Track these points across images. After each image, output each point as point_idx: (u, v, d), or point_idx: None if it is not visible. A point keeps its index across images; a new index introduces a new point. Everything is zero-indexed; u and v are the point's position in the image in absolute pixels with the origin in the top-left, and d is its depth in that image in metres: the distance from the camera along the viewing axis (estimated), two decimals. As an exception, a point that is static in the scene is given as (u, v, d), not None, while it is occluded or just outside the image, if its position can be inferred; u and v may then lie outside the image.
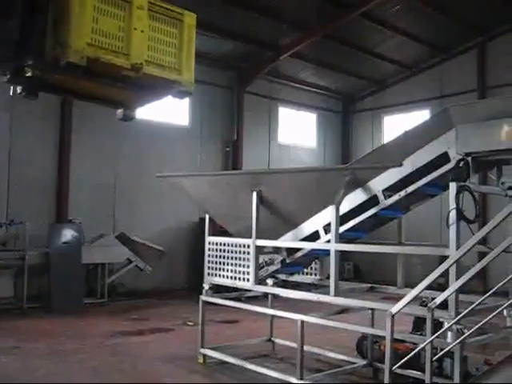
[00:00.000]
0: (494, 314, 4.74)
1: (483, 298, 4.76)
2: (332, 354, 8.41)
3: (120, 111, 5.72)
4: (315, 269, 8.44)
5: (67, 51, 4.46)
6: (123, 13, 4.78)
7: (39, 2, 4.62)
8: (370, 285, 8.36)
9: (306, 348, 7.16)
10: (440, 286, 5.49)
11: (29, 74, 4.86)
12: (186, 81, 5.25)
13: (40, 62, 4.69)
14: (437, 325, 5.30)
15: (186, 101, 17.07)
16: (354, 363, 7.97)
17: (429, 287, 5.48)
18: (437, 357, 5.34)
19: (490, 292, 4.70)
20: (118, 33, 4.74)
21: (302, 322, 6.76)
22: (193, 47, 5.27)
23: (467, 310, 4.88)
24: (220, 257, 8.01)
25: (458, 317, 4.98)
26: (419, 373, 6.48)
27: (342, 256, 17.99)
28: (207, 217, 8.48)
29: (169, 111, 16.49)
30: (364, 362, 7.91)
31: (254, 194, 7.32)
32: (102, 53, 4.63)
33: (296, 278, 8.64)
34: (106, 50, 4.67)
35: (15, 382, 7.22)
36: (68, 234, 13.08)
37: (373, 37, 17.67)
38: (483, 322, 4.82)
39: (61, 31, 4.54)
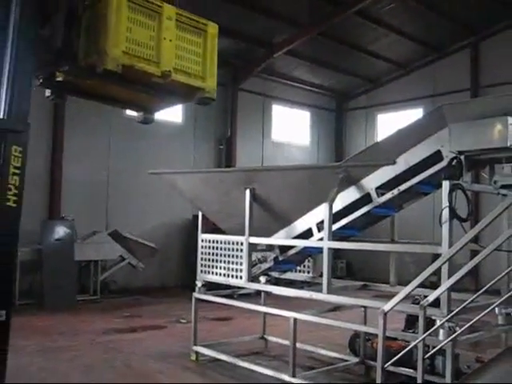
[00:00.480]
0: (486, 312, 4.76)
1: (475, 296, 4.78)
2: (324, 352, 8.42)
3: (140, 114, 6.03)
4: (308, 266, 8.44)
5: (105, 59, 4.75)
6: (153, 23, 5.09)
7: (76, 11, 4.96)
8: (362, 283, 8.39)
9: (298, 345, 7.17)
10: (432, 284, 5.51)
11: (60, 79, 5.21)
12: (210, 87, 5.58)
13: (76, 68, 5.01)
14: (429, 323, 5.32)
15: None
16: (346, 361, 7.99)
17: (421, 285, 5.49)
18: (429, 354, 5.37)
19: (481, 290, 4.71)
20: (149, 42, 5.05)
21: (295, 319, 6.76)
22: (215, 56, 5.63)
23: (459, 308, 4.90)
24: (213, 254, 8.00)
25: (450, 315, 5.00)
26: (411, 370, 6.51)
27: (335, 254, 18.04)
28: (200, 214, 8.48)
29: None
30: (356, 360, 7.92)
31: (247, 191, 7.32)
32: (135, 61, 4.95)
33: (289, 275, 8.64)
34: (138, 58, 4.98)
35: (6, 380, 7.18)
36: (60, 231, 13.04)
37: (367, 35, 17.68)
38: (475, 319, 4.85)
39: (98, 40, 4.83)
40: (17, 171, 4.72)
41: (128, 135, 15.50)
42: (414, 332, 6.30)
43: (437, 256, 5.47)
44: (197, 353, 8.21)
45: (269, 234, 7.55)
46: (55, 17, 4.86)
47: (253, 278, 7.72)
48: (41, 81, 5.22)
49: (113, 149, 15.46)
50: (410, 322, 7.28)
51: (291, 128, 20.54)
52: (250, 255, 7.45)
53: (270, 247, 7.76)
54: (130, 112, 15.81)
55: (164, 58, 5.13)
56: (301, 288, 7.82)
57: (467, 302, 4.83)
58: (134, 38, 4.96)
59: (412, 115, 17.94)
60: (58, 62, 5.01)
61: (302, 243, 7.32)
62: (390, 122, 20.10)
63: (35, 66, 4.93)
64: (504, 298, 4.99)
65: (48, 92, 5.48)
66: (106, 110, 15.36)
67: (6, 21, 4.79)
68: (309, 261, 8.38)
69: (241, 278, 7.50)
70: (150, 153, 15.79)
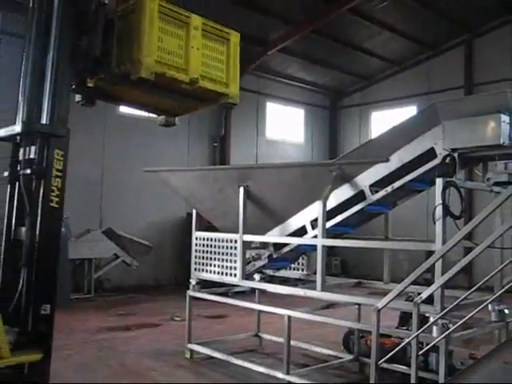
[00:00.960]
0: (479, 308, 4.78)
1: (468, 293, 4.80)
2: (319, 349, 8.44)
3: (162, 117, 6.26)
4: (302, 264, 8.45)
5: (139, 67, 5.01)
6: (182, 32, 5.35)
7: (113, 22, 5.25)
8: (356, 280, 8.40)
9: (292, 343, 7.17)
10: (426, 281, 5.53)
11: (91, 85, 5.47)
12: (233, 93, 5.83)
13: (111, 75, 5.30)
14: (423, 320, 5.34)
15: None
16: (340, 358, 8.00)
17: (415, 282, 5.51)
18: (422, 351, 5.38)
19: (474, 287, 4.73)
20: (178, 50, 5.30)
21: (289, 317, 6.77)
22: (237, 63, 5.85)
23: (452, 305, 4.91)
24: (207, 252, 8.00)
25: (444, 311, 5.01)
26: (405, 367, 6.53)
27: (330, 251, 18.08)
28: (194, 212, 8.47)
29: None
30: (350, 357, 7.94)
31: (241, 189, 7.32)
32: (166, 68, 5.19)
33: (283, 273, 8.65)
34: (169, 66, 5.22)
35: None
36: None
37: (361, 32, 17.70)
38: (468, 316, 4.86)
39: (131, 49, 5.10)
40: (59, 174, 5.03)
41: (122, 133, 15.47)
42: (407, 329, 6.32)
43: (430, 253, 5.48)
44: (191, 351, 8.21)
45: (263, 232, 7.55)
46: (93, 28, 5.10)
47: (247, 276, 7.72)
48: (73, 86, 5.42)
49: (107, 147, 15.42)
50: (404, 319, 7.30)
51: (285, 126, 20.55)
52: (244, 253, 7.45)
53: (264, 245, 7.75)
54: (124, 110, 15.93)
55: (192, 66, 5.39)
56: (295, 285, 7.82)
57: (460, 299, 4.84)
58: (164, 47, 5.21)
59: (406, 113, 17.99)
60: (95, 70, 5.28)
61: (295, 241, 7.33)
62: (384, 120, 20.13)
63: (73, 74, 5.19)
64: (497, 295, 5.02)
65: (78, 97, 5.69)
66: (101, 108, 15.39)
67: (47, 35, 5.08)
68: (303, 258, 8.38)
69: (235, 275, 7.50)
70: (144, 151, 15.76)
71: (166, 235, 16.59)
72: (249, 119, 19.03)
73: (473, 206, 16.03)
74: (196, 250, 8.19)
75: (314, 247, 6.79)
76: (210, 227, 8.69)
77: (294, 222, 7.33)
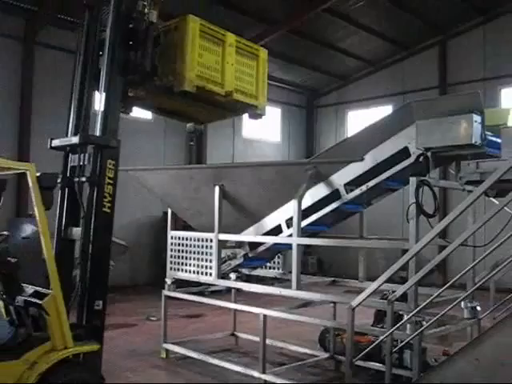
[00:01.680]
0: (451, 306, 4.84)
1: (440, 290, 4.86)
2: (295, 348, 8.46)
3: (191, 125, 6.96)
4: (278, 263, 8.46)
5: (182, 81, 5.54)
6: (218, 49, 5.89)
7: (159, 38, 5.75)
8: (332, 278, 8.45)
9: (269, 342, 7.19)
10: (402, 279, 5.58)
11: (131, 94, 5.90)
12: (261, 105, 6.44)
13: (156, 87, 5.81)
14: (398, 317, 5.39)
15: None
16: (316, 356, 8.04)
17: (391, 281, 5.56)
18: (396, 349, 5.44)
19: (446, 285, 4.79)
20: (215, 66, 5.84)
21: (265, 315, 6.77)
22: (266, 77, 6.43)
23: (425, 303, 4.97)
24: (183, 251, 7.96)
25: (417, 309, 5.06)
26: (381, 364, 6.58)
27: (306, 250, 18.22)
28: (170, 211, 8.43)
29: (132, 104, 16.36)
30: (326, 355, 7.98)
31: (217, 188, 7.30)
32: (205, 82, 5.72)
33: (259, 272, 8.66)
34: (208, 79, 5.75)
35: None
36: (28, 229, 12.75)
37: (337, 32, 17.78)
38: (440, 314, 4.93)
39: (174, 64, 5.63)
40: (111, 181, 5.43)
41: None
42: (382, 327, 6.36)
43: (406, 252, 5.53)
44: (167, 350, 8.17)
45: (238, 231, 7.54)
46: (144, 44, 5.52)
47: (223, 275, 7.71)
48: None
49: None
50: (379, 317, 7.37)
51: (262, 125, 20.53)
52: (219, 252, 7.43)
53: (240, 244, 7.75)
54: (98, 108, 15.76)
55: (227, 80, 5.93)
56: (271, 284, 7.83)
57: (433, 297, 4.90)
58: (204, 63, 5.73)
59: (382, 112, 18.11)
60: (142, 82, 5.73)
61: (271, 240, 7.33)
62: (360, 119, 20.25)
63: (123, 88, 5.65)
64: (469, 292, 5.08)
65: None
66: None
67: (100, 51, 5.66)
68: (279, 257, 8.40)
69: (210, 275, 7.48)
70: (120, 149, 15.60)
71: (142, 235, 16.48)
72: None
73: (448, 204, 16.22)
74: (171, 250, 8.15)
75: (289, 246, 6.80)
76: (186, 226, 8.65)
77: (270, 221, 7.34)
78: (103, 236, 5.43)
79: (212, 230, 7.40)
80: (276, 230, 7.30)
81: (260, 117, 6.64)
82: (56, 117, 14.63)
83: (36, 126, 14.14)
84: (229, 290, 8.73)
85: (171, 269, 8.17)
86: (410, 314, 5.05)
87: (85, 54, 5.72)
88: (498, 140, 5.89)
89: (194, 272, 7.76)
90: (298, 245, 6.52)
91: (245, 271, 8.54)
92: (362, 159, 6.33)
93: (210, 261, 7.47)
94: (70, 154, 5.62)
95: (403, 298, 5.39)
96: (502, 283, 7.09)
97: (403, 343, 5.37)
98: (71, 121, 5.69)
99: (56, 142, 5.68)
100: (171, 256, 8.16)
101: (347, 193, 6.59)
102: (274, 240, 7.27)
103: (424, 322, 5.28)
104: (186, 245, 7.90)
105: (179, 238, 8.04)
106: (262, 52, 6.42)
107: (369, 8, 16.60)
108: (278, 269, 8.48)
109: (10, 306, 4.99)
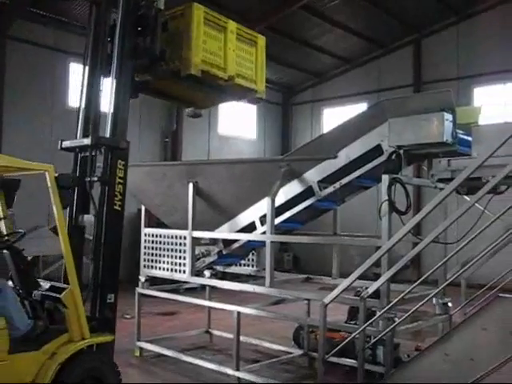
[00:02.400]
0: (422, 302, 4.88)
1: (411, 287, 4.90)
2: (269, 345, 8.48)
3: (190, 109, 7.15)
4: (253, 260, 8.46)
5: (188, 65, 5.84)
6: (221, 36, 6.19)
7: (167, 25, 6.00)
8: (305, 276, 8.47)
9: (243, 339, 7.18)
10: (377, 275, 5.63)
11: (137, 79, 6.14)
12: (260, 89, 6.74)
13: (163, 72, 6.08)
14: (371, 314, 5.42)
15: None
16: (290, 353, 8.07)
17: (366, 277, 5.59)
18: (369, 345, 5.48)
19: (417, 282, 4.83)
20: (218, 51, 6.15)
21: (238, 313, 6.76)
22: (264, 63, 6.76)
23: (396, 299, 5.00)
24: (156, 248, 7.91)
25: (388, 306, 5.10)
26: (354, 361, 6.62)
27: (282, 247, 18.28)
28: (143, 208, 8.38)
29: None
30: (300, 352, 8.01)
31: (191, 185, 7.27)
32: (210, 67, 6.03)
33: (234, 269, 8.63)
34: (212, 64, 6.07)
35: None
36: (-1, 226, 12.61)
37: (313, 30, 17.82)
38: (412, 310, 4.97)
39: (180, 49, 5.91)
40: (121, 181, 5.71)
41: (71, 127, 15.09)
42: (356, 323, 6.40)
43: (379, 249, 5.56)
44: (141, 348, 8.12)
45: (212, 228, 7.52)
46: (153, 30, 5.80)
47: (198, 272, 7.68)
48: None
49: (55, 141, 14.99)
50: (353, 313, 7.41)
51: (238, 122, 20.52)
52: (193, 249, 7.41)
53: (214, 241, 7.73)
54: (72, 104, 15.60)
55: (229, 65, 6.23)
56: (246, 282, 7.82)
57: (404, 294, 4.94)
58: (208, 49, 6.02)
59: (357, 110, 18.18)
60: (152, 67, 6.00)
61: (244, 237, 7.31)
62: (335, 117, 20.34)
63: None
64: (439, 288, 5.14)
65: None
66: (47, 99, 15.06)
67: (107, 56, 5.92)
68: (253, 254, 8.39)
69: (184, 272, 7.45)
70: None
71: (116, 232, 16.32)
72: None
73: (422, 202, 16.37)
74: (145, 247, 8.10)
75: (263, 243, 6.80)
76: (160, 223, 8.60)
77: (244, 218, 7.32)
78: (114, 233, 5.71)
79: (186, 228, 7.37)
80: (250, 227, 7.28)
81: (259, 101, 7.03)
82: (29, 112, 14.56)
83: (7, 121, 13.93)
84: (203, 287, 8.70)
85: (145, 266, 8.12)
86: (382, 311, 5.08)
87: (94, 42, 5.95)
88: (469, 138, 5.95)
89: (167, 269, 7.72)
90: (272, 242, 6.52)
91: (219, 268, 8.51)
92: (336, 157, 6.35)
93: (184, 258, 7.44)
94: (80, 155, 5.87)
95: (376, 294, 5.43)
96: (473, 279, 7.20)
97: (375, 339, 5.41)
98: (80, 121, 6.04)
99: (66, 144, 5.95)
100: (145, 253, 8.11)
101: (321, 190, 6.59)
102: (248, 237, 7.25)
103: (396, 319, 5.33)
104: (160, 242, 7.85)
105: (153, 235, 7.98)
106: (260, 39, 6.75)
107: (344, 6, 16.68)
108: (253, 266, 8.47)
109: (26, 300, 5.23)
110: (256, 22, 16.17)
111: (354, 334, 5.20)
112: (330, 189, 6.53)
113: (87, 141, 5.66)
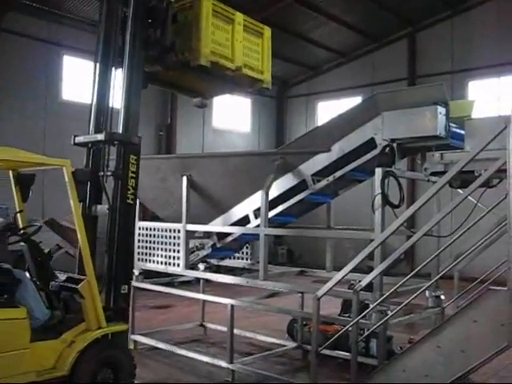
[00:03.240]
0: (415, 295, 4.90)
1: (404, 280, 4.91)
2: (263, 338, 8.50)
3: (198, 99, 7.21)
4: (247, 253, 8.47)
5: (198, 56, 5.96)
6: (228, 27, 6.33)
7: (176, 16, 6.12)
8: (299, 269, 8.49)
9: (237, 332, 7.19)
10: (371, 269, 5.65)
11: (146, 70, 6.19)
12: (266, 80, 6.89)
13: (173, 62, 6.16)
14: (364, 307, 5.44)
15: (118, 82, 16.73)
16: (284, 346, 8.09)
17: (360, 270, 5.60)
18: (362, 337, 5.50)
19: (410, 274, 4.85)
20: (226, 42, 6.29)
21: (232, 306, 6.77)
22: (270, 53, 6.95)
23: (389, 292, 5.03)
24: (151, 242, 7.90)
25: (381, 298, 5.12)
26: (347, 353, 6.65)
27: (276, 240, 18.29)
28: (137, 202, 8.35)
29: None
30: (294, 345, 8.04)
31: (184, 178, 7.27)
32: (218, 58, 6.16)
33: (228, 262, 8.63)
34: (220, 55, 6.19)
35: None
36: (-7, 220, 12.59)
37: (308, 23, 17.80)
38: (405, 303, 5.00)
39: (190, 40, 6.02)
40: (133, 175, 5.83)
41: (64, 120, 15.08)
42: (349, 316, 6.43)
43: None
44: (135, 341, 8.12)
45: (206, 221, 7.52)
46: (164, 22, 5.96)
47: (192, 266, 7.69)
48: None
49: (48, 134, 14.99)
50: (346, 306, 7.45)
51: (232, 115, 20.49)
52: (187, 243, 7.40)
53: (208, 234, 7.73)
54: (65, 97, 15.57)
55: (236, 56, 6.37)
56: (240, 275, 7.83)
57: (397, 286, 4.95)
58: (216, 40, 6.15)
59: (352, 103, 18.18)
60: (162, 57, 6.12)
61: (238, 230, 7.31)
62: (330, 110, 20.34)
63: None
64: (432, 281, 5.17)
65: None
66: (42, 92, 15.00)
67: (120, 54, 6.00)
68: (247, 247, 8.40)
69: (178, 265, 7.45)
70: (87, 139, 15.39)
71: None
72: (195, 108, 18.79)
73: (416, 195, 16.40)
74: (139, 240, 8.08)
75: (257, 236, 6.81)
76: (154, 217, 8.59)
77: (238, 212, 7.33)
78: (127, 226, 5.91)
79: (180, 221, 7.37)
80: (244, 221, 7.29)
81: (266, 91, 7.23)
82: (22, 105, 14.49)
83: (0, 114, 13.89)
84: (198, 280, 8.71)
85: (139, 260, 8.10)
86: (375, 304, 5.10)
87: (105, 34, 6.00)
88: (462, 132, 5.96)
89: (162, 263, 7.71)
90: (266, 235, 6.53)
91: (213, 262, 8.52)
92: (329, 150, 6.36)
93: (178, 251, 7.44)
94: (92, 149, 5.96)
95: (370, 287, 5.45)
96: (466, 272, 7.23)
97: (368, 332, 5.44)
98: (92, 117, 6.03)
99: (80, 139, 6.01)
100: (139, 247, 8.09)
101: (314, 183, 6.60)
102: (242, 230, 7.26)
103: (389, 312, 5.35)
104: (154, 235, 7.84)
105: (147, 228, 7.97)
106: (266, 30, 6.93)
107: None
108: (247, 259, 8.49)
109: (43, 291, 5.41)
110: (250, 14, 16.11)
111: (346, 327, 5.22)
112: (324, 182, 6.53)
113: (100, 136, 5.75)
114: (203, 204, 7.46)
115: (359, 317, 4.99)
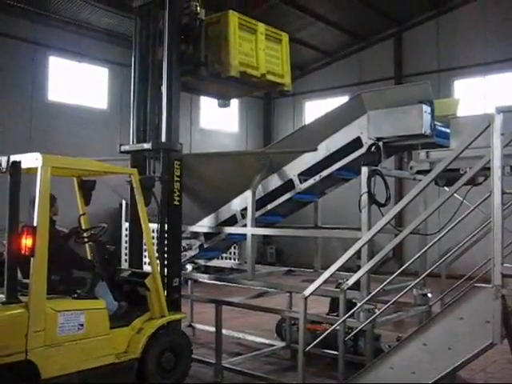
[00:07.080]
0: (401, 294, 4.90)
1: (390, 278, 4.91)
2: (252, 338, 8.48)
3: (222, 100, 7.69)
4: (235, 253, 8.46)
5: (229, 68, 6.42)
6: (252, 38, 6.76)
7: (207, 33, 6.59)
8: (287, 268, 8.49)
9: (226, 332, 7.17)
10: (359, 267, 5.65)
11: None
12: (287, 83, 7.25)
13: (206, 74, 6.61)
14: (352, 305, 5.45)
15: (104, 83, 16.64)
16: (273, 345, 8.08)
17: (349, 269, 5.60)
18: (349, 336, 5.50)
19: (396, 273, 4.85)
20: (251, 52, 6.71)
21: (219, 306, 6.76)
22: (289, 58, 7.28)
23: (376, 291, 5.04)
24: (138, 243, 7.85)
25: (368, 297, 5.13)
26: (336, 352, 6.65)
27: (265, 240, 18.28)
28: (124, 202, 8.33)
29: (86, 94, 16.10)
30: (283, 344, 8.03)
31: (171, 178, 7.24)
32: (246, 67, 6.59)
33: (216, 262, 8.61)
34: (247, 65, 6.62)
35: None
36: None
37: (294, 23, 17.75)
38: (391, 302, 5.01)
39: (219, 53, 6.48)
40: (178, 179, 6.36)
41: (50, 121, 15.00)
42: (337, 315, 6.43)
43: (361, 241, 5.57)
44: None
45: (193, 222, 7.50)
46: (197, 39, 6.47)
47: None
48: None
49: (34, 135, 14.87)
50: (335, 305, 7.45)
51: (220, 115, 20.42)
52: (174, 243, 7.37)
53: (195, 235, 7.72)
54: (52, 97, 15.46)
55: (260, 64, 6.77)
56: (229, 275, 7.82)
57: (383, 285, 4.97)
58: (243, 51, 6.59)
59: (339, 103, 18.21)
60: (195, 71, 6.59)
61: (225, 230, 7.30)
62: (317, 110, 20.36)
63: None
64: (418, 280, 5.16)
65: None
66: (27, 92, 14.89)
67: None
68: (235, 247, 8.39)
69: (166, 266, 7.41)
70: (74, 140, 15.25)
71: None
72: (182, 108, 18.49)
73: (403, 194, 16.44)
74: (126, 241, 8.04)
75: (244, 236, 6.81)
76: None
77: (225, 212, 7.33)
78: (176, 225, 6.41)
79: (167, 222, 7.33)
80: (231, 221, 7.29)
81: (287, 93, 7.54)
82: (8, 105, 14.37)
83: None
84: (186, 281, 8.67)
85: (126, 261, 8.06)
86: (362, 302, 5.11)
87: (140, 52, 6.64)
88: (447, 130, 5.99)
89: (149, 263, 7.66)
90: (253, 235, 6.54)
91: (201, 262, 8.49)
92: (316, 149, 6.37)
93: (166, 252, 7.40)
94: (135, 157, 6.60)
95: (357, 286, 5.46)
96: (454, 270, 7.25)
97: (356, 330, 5.45)
98: (132, 127, 6.74)
99: (126, 148, 6.72)
100: (126, 248, 8.05)
101: (301, 183, 6.61)
102: (229, 230, 7.25)
103: (376, 310, 5.36)
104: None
105: (134, 229, 7.92)
106: (284, 36, 7.29)
107: (326, -1, 16.69)
108: (235, 259, 8.48)
109: (110, 285, 5.95)
110: (237, 14, 16.18)
111: (334, 326, 5.22)
112: (310, 181, 6.55)
113: (147, 145, 6.36)
114: (190, 204, 7.42)
115: (346, 316, 4.99)
